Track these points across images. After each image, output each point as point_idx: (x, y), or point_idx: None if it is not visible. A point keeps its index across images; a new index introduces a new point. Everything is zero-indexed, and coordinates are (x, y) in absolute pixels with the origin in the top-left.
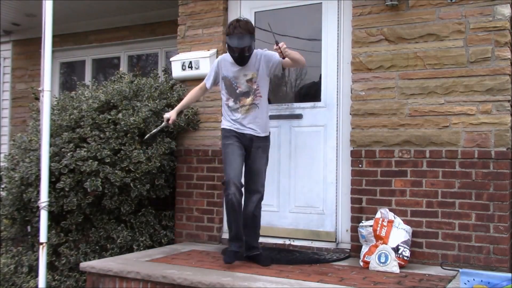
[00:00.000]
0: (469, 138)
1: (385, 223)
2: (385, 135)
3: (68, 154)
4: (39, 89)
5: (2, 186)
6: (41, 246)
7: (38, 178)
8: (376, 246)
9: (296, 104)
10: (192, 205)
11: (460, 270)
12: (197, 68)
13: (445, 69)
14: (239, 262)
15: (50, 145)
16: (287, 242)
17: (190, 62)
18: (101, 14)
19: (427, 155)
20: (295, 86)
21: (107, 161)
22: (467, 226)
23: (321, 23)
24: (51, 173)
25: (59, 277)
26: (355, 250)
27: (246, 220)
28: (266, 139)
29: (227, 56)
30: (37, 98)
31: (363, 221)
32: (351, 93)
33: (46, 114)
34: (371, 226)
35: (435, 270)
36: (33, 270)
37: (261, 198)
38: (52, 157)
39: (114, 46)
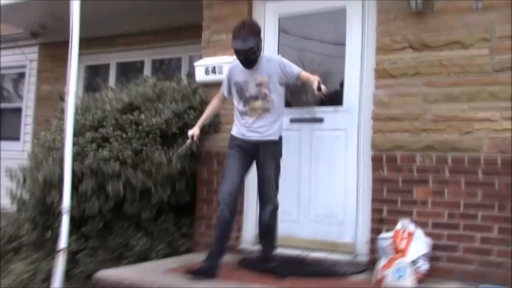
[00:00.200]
0: (492, 144)
1: (405, 235)
2: (407, 140)
3: (91, 153)
4: (65, 90)
5: (26, 188)
6: (60, 252)
7: (61, 179)
8: (395, 259)
9: (317, 108)
10: (212, 212)
11: (480, 285)
12: (220, 73)
13: (470, 78)
14: (256, 274)
15: (73, 144)
16: (305, 253)
17: (214, 67)
18: (126, 19)
19: (449, 161)
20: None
21: (128, 161)
22: (489, 239)
23: (345, 29)
24: (73, 174)
25: (75, 285)
26: (373, 262)
27: (262, 231)
28: (275, 144)
29: (238, 62)
30: (62, 99)
31: (383, 232)
32: (374, 98)
33: (70, 114)
34: (391, 238)
35: (455, 285)
36: (50, 278)
37: (275, 208)
38: (75, 156)
39: (139, 50)
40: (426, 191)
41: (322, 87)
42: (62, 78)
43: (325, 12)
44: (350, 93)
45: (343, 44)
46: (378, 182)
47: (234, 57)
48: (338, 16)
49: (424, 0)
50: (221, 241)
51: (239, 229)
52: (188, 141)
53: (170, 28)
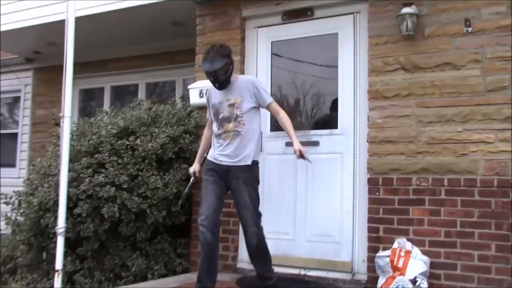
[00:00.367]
0: (488, 167)
1: (402, 254)
2: (403, 163)
3: (86, 179)
4: (60, 115)
5: (21, 211)
6: (56, 274)
7: (56, 203)
8: (393, 278)
9: (312, 132)
10: None
11: None
12: None
13: (463, 98)
14: None
15: (69, 170)
16: (303, 272)
17: (207, 90)
18: (120, 43)
19: (446, 183)
20: (311, 113)
21: (124, 186)
22: (487, 257)
23: (338, 52)
24: (69, 198)
25: None
26: (372, 281)
27: (251, 254)
28: (247, 169)
29: None
30: (58, 124)
31: (380, 251)
32: (368, 120)
33: (66, 140)
34: (388, 256)
35: None
36: None
37: (259, 232)
38: (71, 182)
39: (133, 74)
40: (423, 211)
41: (304, 152)
42: (56, 102)
43: (317, 36)
44: (344, 116)
45: (335, 67)
46: (374, 202)
47: None
48: (330, 40)
49: (414, 25)
50: (208, 264)
51: (236, 248)
52: (192, 179)
53: (164, 52)
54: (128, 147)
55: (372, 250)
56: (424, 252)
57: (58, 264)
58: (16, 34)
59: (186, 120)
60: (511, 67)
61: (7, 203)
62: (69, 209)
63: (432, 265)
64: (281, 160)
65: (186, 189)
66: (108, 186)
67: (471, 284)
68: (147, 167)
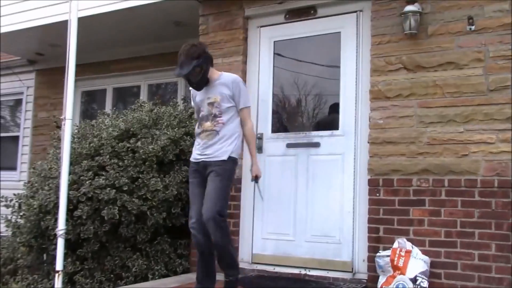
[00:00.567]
0: (488, 167)
1: (402, 253)
2: (403, 164)
3: (87, 182)
4: (61, 117)
5: (21, 213)
6: (57, 274)
7: (56, 206)
8: (394, 277)
9: (314, 133)
10: None
11: None
12: None
13: (465, 98)
14: None
15: (70, 173)
16: (303, 272)
17: None
18: (122, 45)
19: (446, 184)
20: (312, 114)
21: (124, 189)
22: (487, 256)
23: (340, 52)
24: (69, 201)
25: None
26: (372, 280)
27: (216, 253)
28: (223, 163)
29: None
30: (59, 127)
31: (380, 251)
32: (369, 121)
33: (67, 142)
34: (388, 256)
35: None
36: None
37: (217, 224)
38: (71, 185)
39: (135, 76)
40: (423, 211)
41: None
42: (58, 104)
43: (320, 36)
44: (345, 117)
45: (337, 66)
46: (374, 203)
47: None
48: (332, 40)
49: (417, 23)
50: (205, 264)
51: (236, 249)
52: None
53: (166, 53)
54: (129, 149)
55: (373, 250)
56: (424, 252)
57: (59, 265)
58: (18, 35)
59: (187, 122)
60: None
61: (7, 206)
62: (69, 211)
63: (433, 265)
64: (282, 161)
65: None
66: (109, 188)
67: (472, 283)
68: (148, 170)
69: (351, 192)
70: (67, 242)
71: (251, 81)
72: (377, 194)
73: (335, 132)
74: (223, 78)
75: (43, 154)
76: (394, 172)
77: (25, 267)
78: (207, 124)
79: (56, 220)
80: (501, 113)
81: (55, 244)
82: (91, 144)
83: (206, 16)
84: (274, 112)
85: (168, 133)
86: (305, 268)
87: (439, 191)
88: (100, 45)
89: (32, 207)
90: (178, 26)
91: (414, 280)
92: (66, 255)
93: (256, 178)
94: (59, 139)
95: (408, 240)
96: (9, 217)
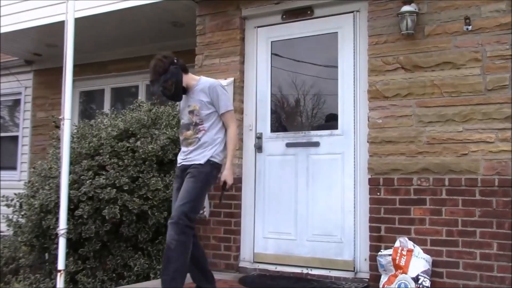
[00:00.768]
0: (488, 166)
1: (404, 252)
2: (403, 163)
3: (87, 181)
4: (60, 117)
5: (22, 213)
6: (59, 274)
7: (57, 205)
8: (396, 276)
9: (313, 132)
10: (209, 233)
11: None
12: None
13: (463, 97)
14: None
15: (70, 173)
16: (305, 271)
17: None
18: (120, 45)
19: (446, 183)
20: (312, 114)
21: (125, 188)
22: (489, 255)
23: (337, 52)
24: (70, 200)
25: None
26: (374, 279)
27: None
28: (200, 166)
29: None
30: (58, 126)
31: (382, 250)
32: (368, 120)
33: (66, 142)
34: (390, 255)
35: None
36: None
37: (179, 229)
38: (71, 184)
39: (133, 75)
40: (424, 210)
41: (227, 185)
42: (57, 104)
43: (317, 36)
44: (344, 116)
45: (335, 66)
46: (375, 202)
47: (228, 80)
48: (329, 40)
49: (414, 23)
50: (192, 263)
51: (238, 248)
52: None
53: None
54: (129, 149)
55: (374, 249)
56: (426, 251)
57: (60, 264)
58: (16, 35)
59: None
60: (511, 65)
61: (8, 205)
62: (70, 211)
63: (434, 264)
64: (281, 161)
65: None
66: (109, 188)
67: (474, 282)
68: (148, 169)
69: (351, 191)
70: (69, 242)
71: (249, 81)
72: (378, 193)
73: (334, 131)
74: (200, 84)
75: (43, 154)
76: (394, 171)
77: (27, 266)
78: (189, 133)
79: (57, 219)
80: (500, 113)
81: (57, 244)
82: (90, 144)
83: (203, 16)
84: (273, 112)
85: (167, 132)
86: (306, 267)
87: (439, 190)
88: (98, 45)
89: (33, 206)
90: (176, 26)
91: (416, 279)
92: (67, 255)
93: (224, 184)
94: (58, 139)
95: (410, 239)
96: (10, 216)
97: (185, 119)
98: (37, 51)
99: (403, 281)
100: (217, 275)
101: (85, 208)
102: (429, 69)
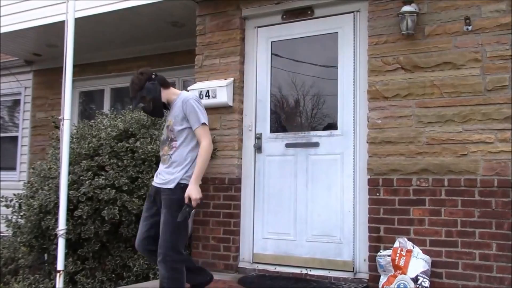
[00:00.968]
0: (488, 167)
1: (403, 253)
2: (403, 164)
3: (87, 182)
4: (59, 117)
5: (21, 213)
6: (58, 274)
7: (56, 206)
8: (395, 276)
9: (312, 133)
10: (209, 233)
11: None
12: (214, 97)
13: (462, 97)
14: None
15: (69, 173)
16: (304, 271)
17: (208, 91)
18: (120, 45)
19: (446, 183)
20: (311, 114)
21: (124, 189)
22: (488, 256)
23: (337, 52)
24: (69, 201)
25: None
26: (373, 280)
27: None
28: (171, 192)
29: None
30: (57, 127)
31: (381, 251)
32: (368, 121)
33: (65, 143)
34: (389, 255)
35: None
36: None
37: (168, 266)
38: (71, 185)
39: (132, 76)
40: (423, 211)
41: (193, 201)
42: (56, 105)
43: (317, 36)
44: (344, 117)
45: (335, 67)
46: (374, 203)
47: (228, 80)
48: (329, 40)
49: (414, 23)
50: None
51: (237, 249)
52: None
53: (164, 53)
54: (128, 149)
55: (373, 250)
56: (425, 251)
57: (60, 265)
58: (16, 35)
59: None
60: (511, 66)
61: (7, 206)
62: (70, 211)
63: (434, 264)
64: (281, 161)
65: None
66: (108, 188)
67: (473, 282)
68: (147, 169)
69: (351, 191)
70: (68, 242)
71: (248, 81)
72: (377, 194)
73: (334, 132)
74: (178, 99)
75: (42, 154)
76: (394, 172)
77: (26, 267)
78: (165, 149)
79: (56, 220)
80: (500, 113)
81: (56, 244)
82: (90, 144)
83: (203, 16)
84: (273, 112)
85: None
86: (306, 267)
87: (439, 190)
88: (98, 45)
89: (33, 207)
90: (176, 26)
91: (415, 280)
92: (67, 255)
93: (189, 200)
94: (57, 139)
95: (409, 239)
96: (9, 217)
97: (164, 135)
98: (37, 51)
99: (402, 281)
100: (216, 276)
101: (84, 209)
102: (429, 70)
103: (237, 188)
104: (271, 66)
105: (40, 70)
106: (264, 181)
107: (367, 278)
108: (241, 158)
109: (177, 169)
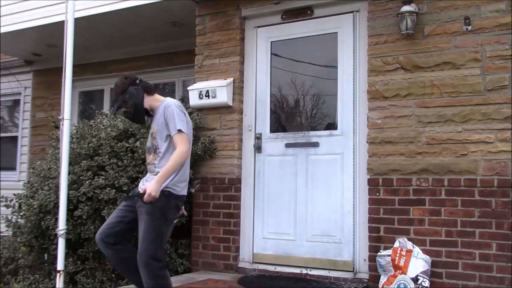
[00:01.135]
0: (488, 167)
1: (403, 253)
2: (403, 163)
3: (87, 182)
4: (59, 117)
5: (21, 213)
6: (58, 274)
7: (56, 206)
8: (395, 276)
9: (312, 132)
10: (209, 233)
11: None
12: (214, 97)
13: (462, 97)
14: None
15: (69, 173)
16: (304, 271)
17: (207, 91)
18: (119, 45)
19: (446, 183)
20: (311, 114)
21: (124, 189)
22: (488, 256)
23: (337, 52)
24: (69, 201)
25: None
26: (373, 280)
27: None
28: (155, 199)
29: None
30: (57, 127)
31: (381, 251)
32: (368, 121)
33: (65, 143)
34: (389, 255)
35: None
36: None
37: (151, 272)
38: (71, 185)
39: None
40: (423, 211)
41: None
42: (56, 105)
43: (317, 36)
44: (344, 117)
45: (335, 67)
46: (374, 203)
47: (228, 80)
48: (329, 40)
49: (414, 23)
50: (126, 272)
51: (237, 249)
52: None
53: (163, 53)
54: (128, 149)
55: (373, 250)
56: (425, 251)
57: (60, 265)
58: (16, 35)
59: None
60: (510, 66)
61: (7, 206)
62: (70, 211)
63: (433, 264)
64: (281, 161)
65: None
66: (108, 188)
67: (473, 282)
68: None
69: (351, 191)
70: (68, 242)
71: (248, 81)
72: (377, 194)
73: (333, 132)
74: (161, 105)
75: (42, 154)
76: (394, 172)
77: (26, 267)
78: (150, 157)
79: (56, 220)
80: (499, 113)
81: (56, 244)
82: (90, 144)
83: (203, 16)
84: (273, 112)
85: None
86: (306, 267)
87: (438, 190)
88: (98, 45)
89: (32, 207)
90: (175, 26)
91: (415, 280)
92: (67, 255)
93: (141, 195)
94: (57, 139)
95: (409, 239)
96: (9, 217)
97: (148, 143)
98: (37, 51)
99: (402, 281)
100: (216, 276)
101: (84, 209)
102: (429, 69)
103: (237, 188)
104: (271, 66)
105: (40, 70)
106: (264, 181)
107: (367, 278)
108: (241, 158)
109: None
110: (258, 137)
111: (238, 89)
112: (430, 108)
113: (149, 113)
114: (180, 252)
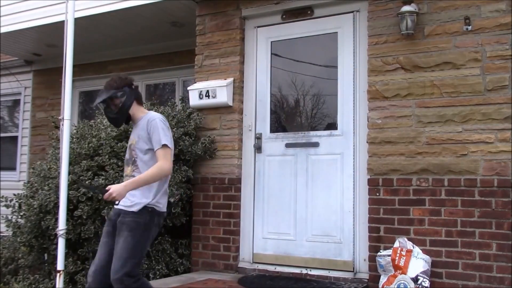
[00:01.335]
0: (488, 167)
1: (403, 253)
2: (403, 164)
3: (87, 182)
4: (59, 117)
5: (21, 213)
6: (58, 274)
7: (56, 205)
8: (395, 276)
9: (312, 133)
10: (209, 233)
11: None
12: (214, 97)
13: (462, 97)
14: None
15: (69, 173)
16: (304, 271)
17: (207, 91)
18: (119, 45)
19: (446, 183)
20: (311, 114)
21: None
22: (488, 256)
23: (337, 52)
24: (69, 201)
25: None
26: (373, 280)
27: None
28: (135, 215)
29: None
30: (57, 127)
31: (381, 251)
32: (368, 121)
33: (65, 143)
34: (389, 255)
35: None
36: None
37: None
38: (71, 185)
39: (132, 75)
40: (423, 211)
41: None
42: (56, 105)
43: (317, 36)
44: (344, 117)
45: (335, 67)
46: (374, 203)
47: (228, 80)
48: (329, 40)
49: (414, 23)
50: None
51: (237, 249)
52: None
53: (164, 53)
54: None
55: (373, 250)
56: (425, 251)
57: (60, 265)
58: (16, 35)
59: (186, 122)
60: (510, 66)
61: (7, 206)
62: (70, 211)
63: (434, 264)
64: (281, 161)
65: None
66: None
67: (473, 282)
68: None
69: (351, 191)
70: (68, 242)
71: (248, 81)
72: (377, 194)
73: (333, 132)
74: (144, 118)
75: (42, 154)
76: (394, 172)
77: (26, 267)
78: (128, 170)
79: (56, 220)
80: (499, 113)
81: (56, 244)
82: (90, 144)
83: (203, 16)
84: (273, 112)
85: None
86: (306, 267)
87: (439, 190)
88: (98, 45)
89: (32, 207)
90: (175, 26)
91: (415, 280)
92: (67, 255)
93: (107, 190)
94: (57, 139)
95: (409, 239)
96: (9, 217)
97: (127, 154)
98: (37, 51)
99: (402, 281)
100: (216, 276)
101: (84, 209)
102: (429, 69)
103: (237, 188)
104: (271, 66)
105: (40, 70)
106: (264, 181)
107: (367, 278)
108: (241, 158)
109: (140, 192)
110: (258, 137)
111: (238, 89)
112: (430, 108)
113: (129, 120)
114: (180, 252)
